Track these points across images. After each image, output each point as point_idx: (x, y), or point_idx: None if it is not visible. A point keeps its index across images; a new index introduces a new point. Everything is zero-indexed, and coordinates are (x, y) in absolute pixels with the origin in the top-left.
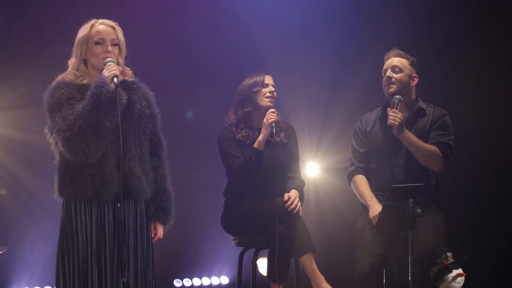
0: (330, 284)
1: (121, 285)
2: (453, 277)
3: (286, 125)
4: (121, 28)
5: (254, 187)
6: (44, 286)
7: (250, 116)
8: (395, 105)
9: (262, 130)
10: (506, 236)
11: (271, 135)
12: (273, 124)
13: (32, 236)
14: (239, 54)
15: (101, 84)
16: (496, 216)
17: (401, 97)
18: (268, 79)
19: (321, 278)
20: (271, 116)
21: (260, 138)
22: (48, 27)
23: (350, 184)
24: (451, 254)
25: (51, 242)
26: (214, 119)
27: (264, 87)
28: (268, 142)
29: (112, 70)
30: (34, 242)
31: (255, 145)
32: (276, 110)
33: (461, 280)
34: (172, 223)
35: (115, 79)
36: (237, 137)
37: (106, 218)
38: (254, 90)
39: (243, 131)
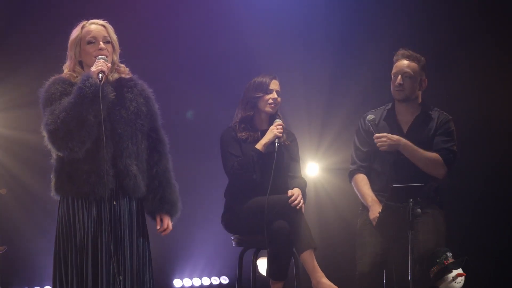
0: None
1: (118, 284)
2: (453, 277)
3: (288, 132)
4: (122, 28)
5: (255, 186)
6: (44, 286)
7: (253, 118)
8: (374, 128)
9: (268, 133)
10: (506, 236)
11: (273, 143)
12: (276, 140)
13: (32, 236)
14: (240, 54)
15: (86, 78)
16: (496, 216)
17: (374, 117)
18: (274, 84)
19: (321, 274)
20: (279, 127)
21: (263, 141)
22: (48, 27)
23: (350, 182)
24: (451, 254)
25: (51, 242)
26: (214, 118)
27: (268, 93)
28: (273, 145)
29: (99, 66)
30: (34, 242)
31: (257, 146)
32: (281, 117)
33: (461, 280)
34: (179, 216)
35: (100, 75)
36: (238, 135)
37: (102, 215)
38: (257, 95)
39: (244, 132)
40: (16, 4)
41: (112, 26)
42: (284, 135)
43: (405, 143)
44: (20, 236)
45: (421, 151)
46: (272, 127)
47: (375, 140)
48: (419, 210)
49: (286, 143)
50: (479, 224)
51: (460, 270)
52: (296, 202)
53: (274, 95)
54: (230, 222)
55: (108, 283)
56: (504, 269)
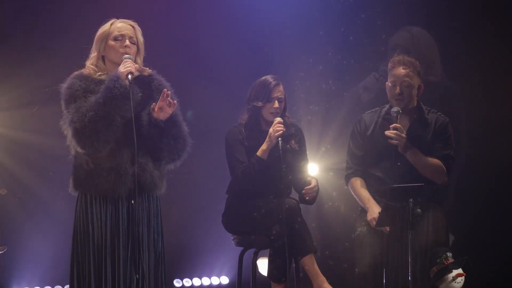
0: (331, 285)
1: (135, 282)
2: (453, 277)
3: (294, 128)
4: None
5: (258, 188)
6: (44, 286)
7: (258, 122)
8: (395, 119)
9: (267, 139)
10: (506, 236)
11: (276, 146)
12: (280, 138)
13: (32, 236)
14: (241, 53)
15: (115, 78)
16: (496, 216)
17: (399, 109)
18: (276, 92)
19: (322, 279)
20: (277, 129)
21: (264, 147)
22: (48, 27)
23: (347, 186)
24: (451, 254)
25: (51, 242)
26: (216, 117)
27: (269, 101)
28: (276, 146)
29: (127, 66)
30: (34, 242)
31: (259, 153)
32: (283, 115)
33: (461, 280)
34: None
35: (129, 76)
36: (245, 140)
37: (120, 213)
38: (258, 105)
39: (252, 139)
40: (17, 4)
41: None
42: (293, 129)
43: (413, 147)
44: (20, 236)
45: (426, 158)
46: (270, 130)
47: (392, 130)
48: (419, 210)
49: (294, 147)
50: (480, 224)
51: (460, 270)
52: (310, 194)
53: (276, 104)
54: (231, 222)
55: (125, 281)
56: (504, 269)
